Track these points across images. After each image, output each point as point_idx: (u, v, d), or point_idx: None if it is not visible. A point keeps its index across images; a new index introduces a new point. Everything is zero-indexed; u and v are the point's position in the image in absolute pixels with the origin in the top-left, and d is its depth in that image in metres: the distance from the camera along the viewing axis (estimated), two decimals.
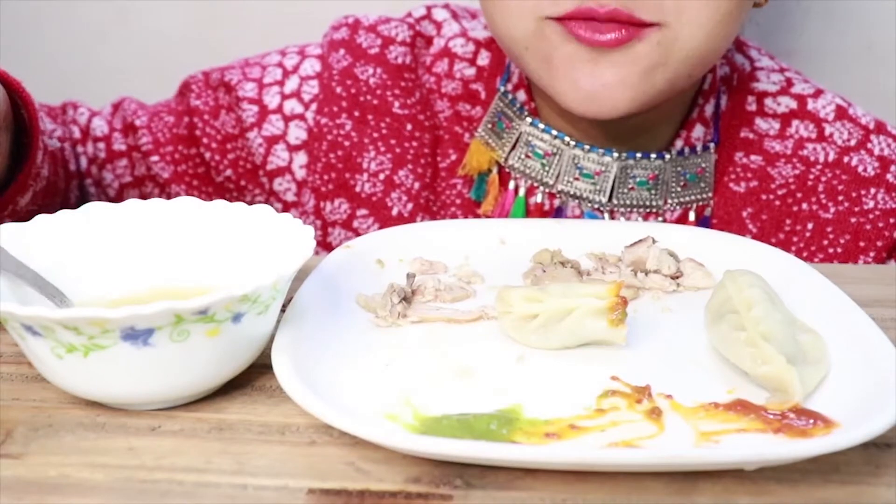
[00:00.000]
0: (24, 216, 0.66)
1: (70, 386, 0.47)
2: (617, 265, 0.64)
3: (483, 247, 0.66)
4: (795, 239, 0.79)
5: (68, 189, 0.82)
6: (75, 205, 0.78)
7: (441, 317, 0.57)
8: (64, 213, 0.55)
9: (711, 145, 0.80)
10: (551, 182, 0.79)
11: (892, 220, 0.78)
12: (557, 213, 0.80)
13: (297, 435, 0.46)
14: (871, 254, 0.78)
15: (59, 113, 0.88)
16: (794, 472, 0.43)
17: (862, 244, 0.78)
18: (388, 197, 0.82)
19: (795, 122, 0.80)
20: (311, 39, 0.87)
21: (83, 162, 0.86)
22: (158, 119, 0.86)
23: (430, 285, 0.60)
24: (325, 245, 0.83)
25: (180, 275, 0.55)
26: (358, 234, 0.81)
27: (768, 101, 0.81)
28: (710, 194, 0.79)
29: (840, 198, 0.79)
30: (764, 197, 0.79)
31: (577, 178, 0.78)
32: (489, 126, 0.81)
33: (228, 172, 0.85)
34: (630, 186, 0.78)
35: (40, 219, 0.54)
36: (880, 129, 0.80)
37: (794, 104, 0.81)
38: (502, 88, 0.81)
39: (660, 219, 0.79)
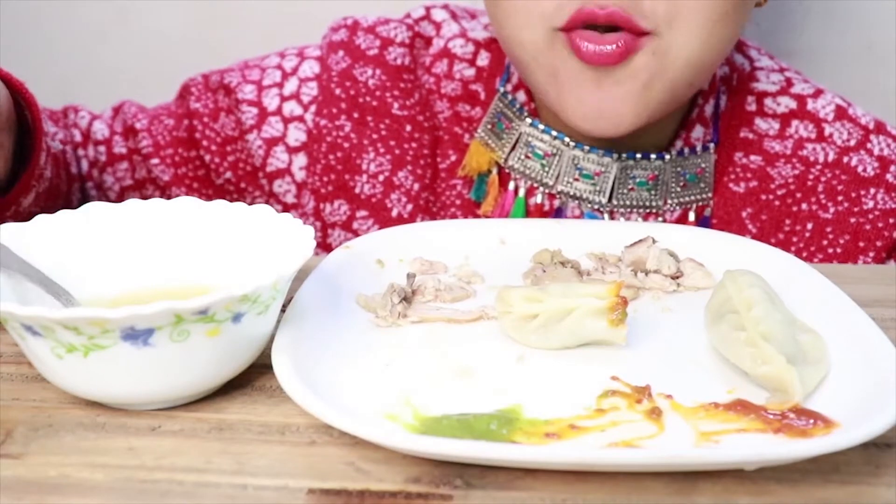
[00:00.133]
0: (27, 218, 0.66)
1: (70, 386, 0.47)
2: (617, 265, 0.64)
3: (483, 247, 0.66)
4: (795, 239, 0.79)
5: (70, 192, 0.82)
6: (77, 208, 0.78)
7: (441, 317, 0.57)
8: (64, 213, 0.55)
9: (711, 145, 0.80)
10: (551, 183, 0.79)
11: (891, 220, 0.78)
12: (557, 213, 0.80)
13: (297, 435, 0.46)
14: (871, 254, 0.78)
15: (60, 116, 0.88)
16: (794, 472, 0.43)
17: (861, 244, 0.78)
18: (388, 198, 0.82)
19: (795, 122, 0.80)
20: (311, 40, 0.87)
21: (84, 165, 0.86)
22: (158, 122, 0.86)
23: (430, 285, 0.60)
24: (324, 246, 0.83)
25: (180, 275, 0.55)
26: (358, 236, 0.81)
27: (768, 101, 0.81)
28: (709, 194, 0.79)
29: (840, 198, 0.79)
30: (763, 197, 0.79)
31: (576, 179, 0.78)
32: (489, 127, 0.81)
33: (228, 174, 0.85)
34: (630, 187, 0.78)
35: (41, 219, 0.54)
36: (880, 129, 0.80)
37: (793, 104, 0.81)
38: (502, 89, 0.81)
39: (660, 219, 0.79)
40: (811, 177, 0.79)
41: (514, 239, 0.67)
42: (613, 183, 0.78)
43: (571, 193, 0.78)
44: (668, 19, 0.66)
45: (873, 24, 1.04)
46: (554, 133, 0.78)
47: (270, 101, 0.83)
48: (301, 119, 0.83)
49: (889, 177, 0.79)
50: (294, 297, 0.55)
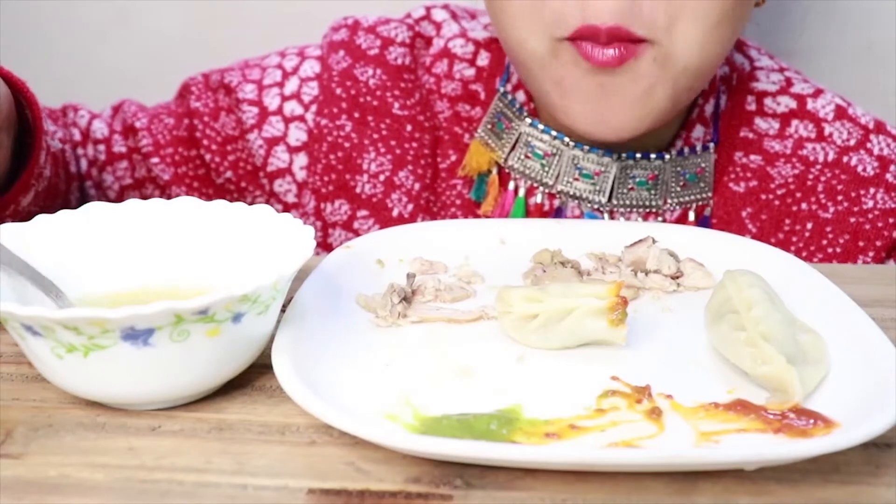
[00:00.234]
0: (26, 217, 0.66)
1: (70, 386, 0.47)
2: (617, 265, 0.64)
3: (483, 247, 0.66)
4: (795, 239, 0.79)
5: (69, 191, 0.82)
6: (76, 207, 0.78)
7: (441, 317, 0.57)
8: (64, 213, 0.55)
9: (711, 145, 0.80)
10: (551, 182, 0.79)
11: (891, 220, 0.78)
12: (557, 213, 0.80)
13: (297, 435, 0.46)
14: (871, 253, 0.78)
15: (59, 115, 0.88)
16: (794, 472, 0.43)
17: (861, 244, 0.78)
18: (389, 198, 0.82)
19: (795, 122, 0.80)
20: (311, 40, 0.87)
21: (83, 164, 0.86)
22: (158, 121, 0.86)
23: (430, 285, 0.60)
24: (325, 246, 0.83)
25: (180, 275, 0.55)
26: (358, 235, 0.81)
27: (768, 101, 0.81)
28: (709, 194, 0.79)
29: (839, 197, 0.79)
30: (763, 197, 0.79)
31: (576, 179, 0.78)
32: (489, 126, 0.81)
33: (229, 174, 0.85)
34: (630, 187, 0.78)
35: (41, 218, 0.54)
36: (880, 128, 0.80)
37: (793, 104, 0.81)
38: (502, 89, 0.81)
39: (659, 219, 0.79)
40: (811, 176, 0.79)
41: (514, 239, 0.67)
42: (613, 183, 0.78)
43: (571, 193, 0.78)
44: (666, 27, 0.66)
45: (873, 24, 1.04)
46: (554, 133, 0.78)
47: (271, 101, 0.83)
48: (302, 119, 0.83)
49: (889, 176, 0.79)
50: (294, 297, 0.55)
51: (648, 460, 0.41)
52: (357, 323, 0.56)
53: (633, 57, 0.67)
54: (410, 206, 0.82)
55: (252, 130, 0.83)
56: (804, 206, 0.79)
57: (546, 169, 0.79)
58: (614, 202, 0.78)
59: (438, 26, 0.86)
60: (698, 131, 0.80)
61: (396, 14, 0.87)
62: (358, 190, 0.82)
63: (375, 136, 0.82)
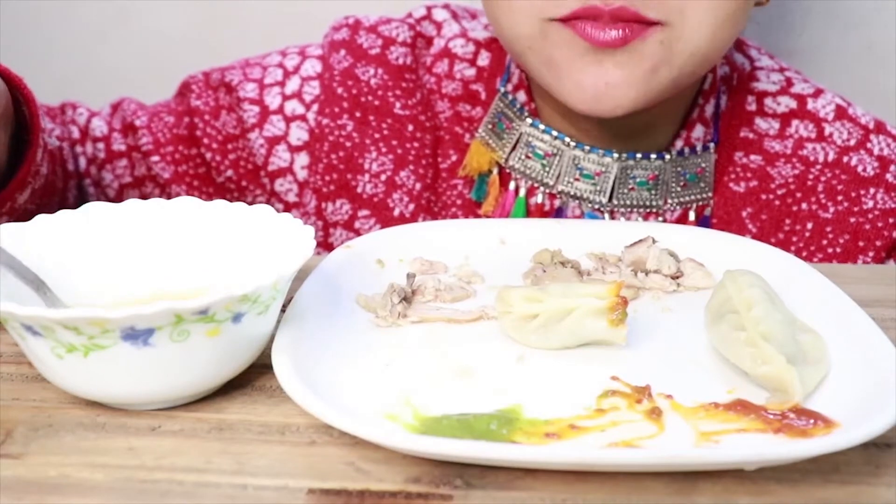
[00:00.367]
0: (22, 214, 0.66)
1: (70, 386, 0.47)
2: (617, 265, 0.64)
3: (483, 247, 0.66)
4: (795, 239, 0.79)
5: (66, 189, 0.81)
6: (74, 205, 0.78)
7: (441, 317, 0.57)
8: (64, 213, 0.55)
9: (711, 145, 0.80)
10: (552, 183, 0.79)
11: (891, 220, 0.78)
12: (558, 213, 0.80)
13: (297, 435, 0.46)
14: (871, 253, 0.78)
15: (57, 113, 0.88)
16: (794, 472, 0.43)
17: (861, 244, 0.78)
18: (390, 198, 0.82)
19: (795, 122, 0.80)
20: (311, 39, 0.87)
21: (82, 162, 0.86)
22: (158, 119, 0.86)
23: (430, 285, 0.60)
24: (326, 246, 0.83)
25: (180, 275, 0.55)
26: (359, 235, 0.81)
27: (768, 101, 0.81)
28: (709, 194, 0.79)
29: (839, 198, 0.79)
30: (763, 197, 0.79)
31: (577, 179, 0.78)
32: (489, 127, 0.81)
33: (229, 173, 0.85)
34: (630, 187, 0.78)
35: (40, 219, 0.54)
36: (880, 128, 0.80)
37: (793, 104, 0.81)
38: (502, 89, 0.81)
39: (660, 219, 0.79)
40: (811, 176, 0.79)
41: (514, 239, 0.67)
42: (614, 183, 0.78)
43: (572, 193, 0.78)
44: (681, 10, 0.66)
45: (873, 24, 1.04)
46: (554, 133, 0.78)
47: (272, 100, 0.83)
48: (303, 118, 0.83)
49: (889, 176, 0.79)
50: (294, 297, 0.55)
51: (648, 460, 0.41)
52: (357, 323, 0.56)
53: (638, 38, 0.66)
54: (412, 206, 0.82)
55: (253, 129, 0.83)
56: (804, 206, 0.79)
57: (547, 169, 0.79)
58: (615, 202, 0.78)
59: (439, 26, 0.86)
60: (698, 131, 0.80)
61: (397, 14, 0.87)
62: (359, 189, 0.82)
63: (377, 135, 0.82)
